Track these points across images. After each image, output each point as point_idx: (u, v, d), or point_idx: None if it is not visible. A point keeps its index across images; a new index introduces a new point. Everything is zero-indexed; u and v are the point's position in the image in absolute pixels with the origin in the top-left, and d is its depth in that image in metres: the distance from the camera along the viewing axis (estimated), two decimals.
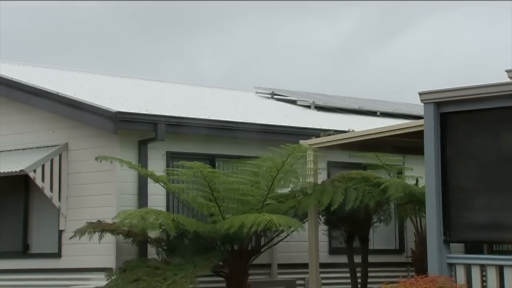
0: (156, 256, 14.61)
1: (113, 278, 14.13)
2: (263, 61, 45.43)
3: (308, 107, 20.22)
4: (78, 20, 42.47)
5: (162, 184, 14.48)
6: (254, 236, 14.66)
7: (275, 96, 21.12)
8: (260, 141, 15.93)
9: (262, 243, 15.11)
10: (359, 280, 15.77)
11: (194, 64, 44.78)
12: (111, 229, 14.11)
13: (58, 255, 15.56)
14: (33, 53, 40.88)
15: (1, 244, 16.54)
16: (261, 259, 15.29)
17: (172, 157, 15.22)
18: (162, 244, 14.58)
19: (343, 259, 16.03)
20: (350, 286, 15.84)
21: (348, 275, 15.84)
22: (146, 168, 14.70)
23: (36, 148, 15.92)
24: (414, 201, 15.44)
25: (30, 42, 42.11)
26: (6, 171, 15.54)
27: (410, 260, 17.08)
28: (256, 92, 21.52)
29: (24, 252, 16.20)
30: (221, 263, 14.48)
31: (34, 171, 15.28)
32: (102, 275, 14.47)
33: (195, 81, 23.23)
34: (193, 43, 45.66)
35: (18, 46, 40.16)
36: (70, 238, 14.43)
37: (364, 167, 16.51)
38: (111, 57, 43.17)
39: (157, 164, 15.04)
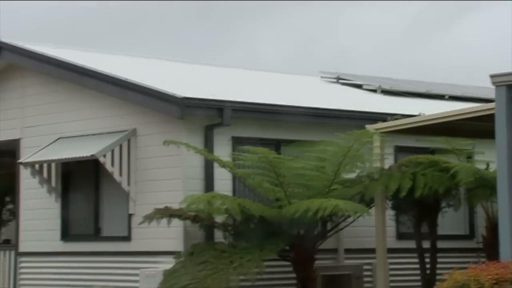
0: (222, 240, 14.03)
1: (181, 260, 13.60)
2: (324, 44, 44.34)
3: (374, 91, 19.32)
4: (140, 7, 41.92)
5: (228, 169, 13.83)
6: (320, 221, 13.95)
7: (340, 81, 20.24)
8: (325, 126, 15.16)
9: (328, 228, 14.37)
10: (427, 266, 14.89)
11: (254, 49, 43.95)
12: (178, 214, 13.57)
13: (128, 238, 15.08)
14: (98, 40, 40.55)
15: (74, 227, 16.10)
16: (327, 244, 14.57)
17: (237, 142, 14.54)
18: (229, 228, 13.97)
19: (411, 244, 15.15)
20: (418, 271, 14.99)
21: (416, 260, 14.97)
22: (212, 153, 14.09)
23: (106, 133, 15.40)
24: (485, 186, 14.44)
25: (95, 29, 41.75)
26: (77, 156, 15.12)
27: (481, 245, 16.09)
28: (321, 77, 20.66)
29: (96, 235, 15.75)
30: (287, 247, 13.81)
31: (104, 156, 14.81)
32: (170, 258, 13.97)
33: (255, 66, 22.50)
34: (253, 28, 44.80)
35: (84, 33, 39.84)
36: (139, 224, 13.93)
37: (432, 151, 15.57)
38: (172, 43, 42.60)
39: (222, 149, 14.40)
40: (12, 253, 16.91)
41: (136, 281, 14.40)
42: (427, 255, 14.94)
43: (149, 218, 13.59)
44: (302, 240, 13.79)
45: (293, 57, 42.84)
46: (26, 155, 16.22)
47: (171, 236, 14.11)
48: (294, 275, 13.96)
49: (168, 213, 13.61)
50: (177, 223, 13.85)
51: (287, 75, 20.61)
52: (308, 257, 13.81)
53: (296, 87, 18.91)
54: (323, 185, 13.61)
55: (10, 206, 23.71)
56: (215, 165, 14.04)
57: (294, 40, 44.80)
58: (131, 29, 42.84)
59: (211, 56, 42.29)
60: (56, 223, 16.17)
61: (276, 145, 14.86)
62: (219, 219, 13.78)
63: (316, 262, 14.02)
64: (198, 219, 13.65)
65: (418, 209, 14.80)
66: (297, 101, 15.66)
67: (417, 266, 14.97)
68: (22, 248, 16.72)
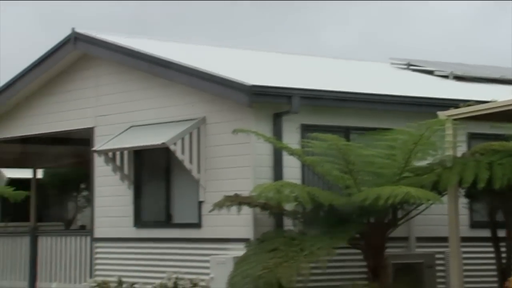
0: (292, 228, 13.45)
1: (251, 248, 13.14)
2: (390, 31, 43.23)
3: (446, 77, 18.47)
4: None
5: (297, 157, 13.25)
6: (390, 209, 13.26)
7: (411, 67, 19.43)
8: (396, 113, 14.47)
9: (399, 216, 13.68)
10: (503, 255, 14.08)
11: (316, 35, 42.97)
12: (247, 202, 13.07)
13: (198, 225, 14.63)
14: (158, 30, 40.17)
15: (146, 214, 15.71)
16: (398, 232, 13.86)
17: (306, 130, 13.91)
18: (298, 216, 13.39)
19: (485, 233, 14.35)
20: (492, 261, 14.20)
21: (491, 250, 14.16)
22: (281, 140, 13.52)
23: (176, 121, 14.95)
24: None
25: (160, 18, 41.41)
26: (149, 144, 14.75)
27: None
28: (391, 63, 19.88)
29: (167, 221, 15.32)
30: (357, 235, 13.17)
31: (175, 144, 14.39)
32: (240, 245, 13.53)
33: (319, 52, 21.77)
34: (316, 14, 43.85)
35: (143, 22, 39.49)
36: (209, 211, 13.47)
37: (506, 138, 14.72)
38: (233, 30, 42.00)
39: (291, 137, 13.81)
40: (88, 238, 16.67)
41: (207, 268, 14.01)
42: (502, 244, 14.14)
43: (219, 205, 13.14)
44: (373, 228, 13.15)
45: (357, 45, 41.89)
46: (99, 143, 15.92)
47: (241, 223, 13.63)
48: (364, 263, 13.35)
49: (237, 201, 13.15)
50: (247, 210, 13.35)
51: (355, 62, 19.85)
52: (378, 245, 13.18)
53: (365, 73, 18.20)
54: (394, 173, 12.93)
55: (85, 193, 23.68)
56: (284, 152, 13.49)
57: (358, 27, 43.82)
58: (194, 18, 42.44)
59: (273, 43, 41.58)
60: (129, 210, 15.84)
61: (345, 132, 14.19)
62: (288, 207, 13.21)
63: (387, 250, 13.37)
64: (268, 207, 13.14)
65: (493, 197, 13.96)
66: (367, 88, 14.98)
67: (492, 255, 14.16)
68: (97, 234, 16.46)
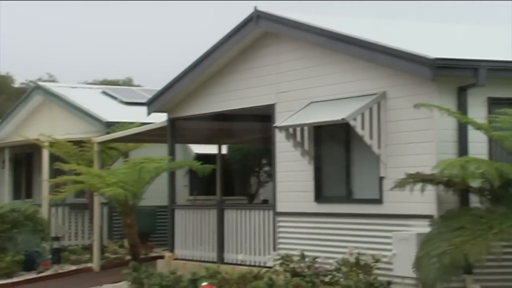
0: (479, 205, 12.12)
1: (435, 225, 11.93)
2: None
3: None
4: None
5: (483, 132, 11.90)
6: None
7: None
8: None
9: None
10: None
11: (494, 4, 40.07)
12: (430, 179, 11.84)
13: (379, 201, 13.56)
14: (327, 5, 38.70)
15: (327, 189, 14.77)
16: None
17: (493, 103, 12.54)
18: (485, 193, 12.02)
19: None
20: None
21: None
22: (466, 115, 12.21)
23: (356, 97, 13.89)
24: None
25: None
26: (328, 119, 13.80)
27: None
28: None
29: (348, 197, 14.32)
30: None
31: (355, 119, 13.37)
32: (422, 222, 12.42)
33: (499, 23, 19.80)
34: None
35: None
36: (391, 189, 12.38)
37: None
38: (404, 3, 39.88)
39: (477, 111, 12.47)
40: (271, 212, 15.91)
41: (389, 244, 12.97)
42: None
43: (401, 184, 11.99)
44: None
45: None
46: (280, 120, 15.10)
47: (423, 200, 12.42)
48: None
49: (420, 178, 11.96)
50: (430, 186, 12.13)
51: None
52: None
53: None
54: None
55: (266, 168, 23.01)
56: (469, 127, 12.18)
57: None
58: None
59: (449, 14, 39.31)
60: (310, 185, 14.94)
61: None
62: (474, 183, 11.87)
63: None
64: (452, 184, 11.88)
65: None
66: None
67: None
68: (279, 208, 15.67)
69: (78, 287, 18.12)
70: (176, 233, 18.17)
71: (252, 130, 19.73)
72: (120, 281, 17.67)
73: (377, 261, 13.21)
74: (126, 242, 20.50)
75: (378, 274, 13.11)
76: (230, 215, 16.90)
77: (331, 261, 13.96)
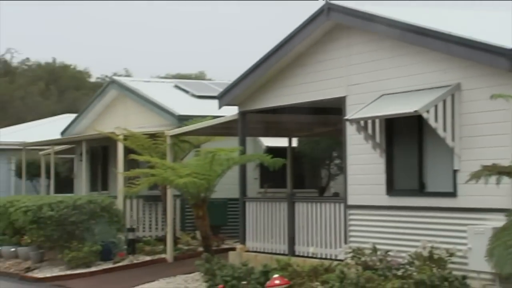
0: None
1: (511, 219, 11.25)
2: None
3: None
4: None
5: None
6: None
7: None
8: None
9: None
10: None
11: None
12: (508, 171, 11.20)
13: (453, 194, 13.00)
14: None
15: (399, 182, 14.26)
16: None
17: None
18: None
19: None
20: None
21: None
22: None
23: (428, 89, 13.33)
24: None
25: None
26: (400, 112, 13.26)
27: None
28: None
29: (420, 190, 13.77)
30: None
31: (427, 111, 12.81)
32: (498, 216, 11.79)
33: None
34: None
35: None
36: (466, 182, 11.75)
37: None
38: None
39: None
40: (342, 205, 15.44)
41: (463, 238, 12.44)
42: None
43: (476, 176, 11.34)
44: None
45: None
46: (351, 112, 14.60)
47: (499, 193, 11.83)
48: None
49: (496, 170, 11.30)
50: (506, 180, 11.47)
51: None
52: None
53: None
54: None
55: (337, 161, 22.51)
56: None
57: None
58: None
59: None
60: (381, 178, 14.43)
61: None
62: None
63: None
64: None
65: None
66: None
67: None
68: (350, 201, 15.19)
69: (152, 277, 17.97)
70: (247, 225, 17.85)
71: (323, 123, 19.29)
72: (193, 272, 17.47)
73: (451, 255, 12.66)
74: (198, 234, 20.29)
75: (453, 269, 12.55)
76: (301, 208, 16.49)
77: (403, 254, 13.45)
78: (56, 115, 41.16)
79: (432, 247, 12.82)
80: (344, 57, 15.35)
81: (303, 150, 22.87)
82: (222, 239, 21.56)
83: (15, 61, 64.04)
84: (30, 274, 20.56)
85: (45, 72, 61.81)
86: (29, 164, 28.47)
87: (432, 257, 12.76)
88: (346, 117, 14.67)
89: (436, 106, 12.84)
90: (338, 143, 18.10)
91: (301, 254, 16.26)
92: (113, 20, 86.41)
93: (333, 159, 22.78)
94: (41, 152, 28.55)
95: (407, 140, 14.06)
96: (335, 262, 14.43)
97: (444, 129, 12.86)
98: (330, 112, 17.09)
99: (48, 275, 19.99)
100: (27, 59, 63.65)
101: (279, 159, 17.96)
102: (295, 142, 22.34)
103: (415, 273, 12.73)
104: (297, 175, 22.89)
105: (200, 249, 19.49)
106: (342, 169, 16.74)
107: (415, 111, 12.80)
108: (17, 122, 41.53)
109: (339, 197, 17.29)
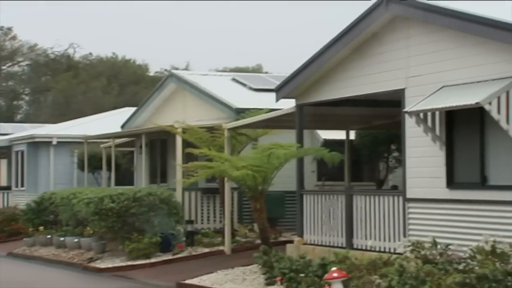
0: None
1: None
2: None
3: None
4: None
5: None
6: None
7: None
8: None
9: None
10: None
11: None
12: None
13: None
14: None
15: (459, 175, 13.77)
16: None
17: None
18: None
19: None
20: None
21: None
22: None
23: (490, 80, 12.82)
24: None
25: None
26: (462, 104, 12.75)
27: None
28: None
29: (482, 183, 13.27)
30: None
31: (490, 103, 12.30)
32: None
33: None
34: None
35: None
36: None
37: None
38: None
39: None
40: (400, 198, 15.00)
41: None
42: None
43: None
44: None
45: None
46: (410, 104, 14.14)
47: None
48: None
49: None
50: None
51: None
52: None
53: None
54: None
55: (396, 154, 22.01)
56: None
57: None
58: None
59: None
60: (441, 171, 13.95)
61: None
62: None
63: None
64: None
65: None
66: None
67: None
68: (409, 194, 14.74)
69: (211, 268, 17.78)
70: (304, 218, 17.51)
71: (381, 116, 18.84)
72: (250, 264, 17.22)
73: None
74: (255, 227, 20.04)
75: None
76: (359, 201, 16.09)
77: (464, 248, 12.98)
78: (116, 108, 41.41)
79: (494, 241, 12.33)
80: (403, 48, 14.89)
81: (361, 143, 22.42)
82: (280, 232, 21.28)
83: (77, 56, 64.78)
84: (92, 264, 20.62)
85: (106, 67, 62.34)
86: (91, 156, 28.59)
87: (494, 251, 12.27)
88: (405, 110, 14.22)
89: (499, 98, 12.33)
90: (396, 135, 17.59)
91: (359, 247, 15.88)
92: (173, 18, 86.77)
93: (391, 152, 22.28)
94: (102, 145, 28.64)
95: (468, 132, 13.57)
96: (394, 256, 14.02)
97: (507, 121, 12.35)
98: (389, 105, 16.64)
99: (110, 265, 20.02)
100: (90, 54, 64.32)
101: (337, 153, 17.58)
102: (352, 135, 21.92)
103: (476, 268, 12.26)
104: (355, 168, 22.46)
105: (258, 241, 19.24)
106: (400, 162, 16.28)
107: (477, 103, 12.32)
108: (79, 116, 41.89)
109: (398, 190, 16.84)
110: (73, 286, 18.19)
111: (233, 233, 20.73)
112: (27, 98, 66.02)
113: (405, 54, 14.84)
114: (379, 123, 20.00)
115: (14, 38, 63.33)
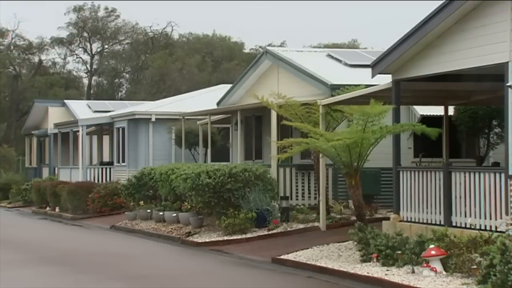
0: None
1: None
2: None
3: None
4: None
5: None
6: None
7: None
8: None
9: None
10: None
11: None
12: None
13: None
14: None
15: None
16: None
17: None
18: None
19: None
20: None
21: None
22: None
23: None
24: None
25: None
26: None
27: None
28: None
29: None
30: None
31: None
32: None
33: None
34: None
35: None
36: None
37: None
38: None
39: None
40: (502, 175, 14.33)
41: None
42: None
43: None
44: None
45: None
46: None
47: None
48: None
49: None
50: None
51: None
52: None
53: None
54: None
55: (497, 130, 21.19)
56: None
57: None
58: None
59: None
60: None
61: None
62: None
63: None
64: None
65: None
66: None
67: None
68: None
69: (306, 244, 17.51)
70: (401, 195, 16.98)
71: (481, 90, 18.07)
72: (345, 241, 16.86)
73: None
74: (351, 203, 19.63)
75: None
76: (458, 178, 15.46)
77: None
78: (211, 85, 41.48)
79: None
80: (507, 20, 14.14)
81: (460, 119, 21.65)
82: (375, 209, 20.81)
83: (175, 34, 65.33)
84: (190, 238, 20.70)
85: (201, 44, 62.66)
86: (188, 133, 28.68)
87: None
88: (508, 84, 13.53)
89: None
90: (497, 111, 16.85)
91: (458, 225, 15.27)
92: None
93: (492, 127, 21.43)
94: (198, 122, 28.68)
95: None
96: (495, 234, 13.40)
97: None
98: (490, 79, 15.91)
99: (207, 240, 20.03)
100: (190, 33, 64.78)
101: (434, 129, 16.96)
102: (451, 111, 21.19)
103: None
104: (453, 144, 21.70)
105: (353, 218, 18.85)
106: (502, 138, 15.54)
107: None
108: (174, 93, 42.15)
109: (500, 167, 16.12)
110: (174, 259, 18.25)
111: (328, 210, 20.39)
112: (127, 76, 67.12)
113: (509, 27, 14.10)
114: (479, 98, 19.22)
115: (117, 17, 64.41)
